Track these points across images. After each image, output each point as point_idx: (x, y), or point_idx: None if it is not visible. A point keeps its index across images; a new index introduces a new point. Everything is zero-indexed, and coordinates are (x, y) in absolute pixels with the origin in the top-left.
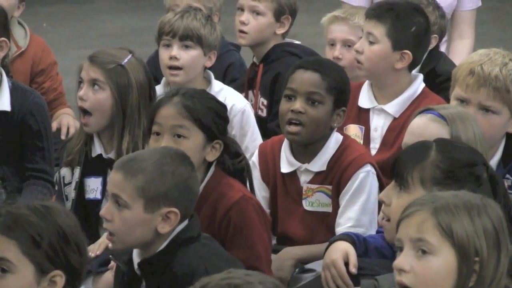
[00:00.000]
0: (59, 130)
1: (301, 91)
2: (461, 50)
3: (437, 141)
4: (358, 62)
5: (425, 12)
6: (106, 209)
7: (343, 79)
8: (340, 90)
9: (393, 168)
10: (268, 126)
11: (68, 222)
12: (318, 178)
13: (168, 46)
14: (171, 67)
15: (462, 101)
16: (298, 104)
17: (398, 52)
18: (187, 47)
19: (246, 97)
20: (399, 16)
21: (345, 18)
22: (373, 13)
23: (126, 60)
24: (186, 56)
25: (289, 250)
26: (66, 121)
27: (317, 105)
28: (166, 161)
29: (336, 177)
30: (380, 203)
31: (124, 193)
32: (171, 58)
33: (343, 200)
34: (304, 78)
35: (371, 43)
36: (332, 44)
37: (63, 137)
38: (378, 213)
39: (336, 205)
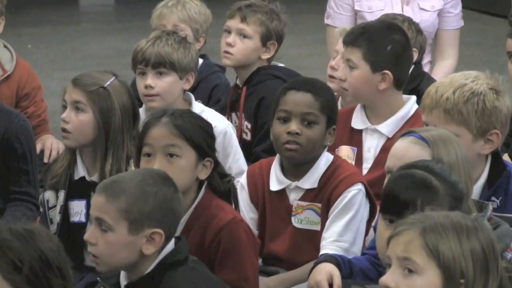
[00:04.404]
0: (43, 152)
1: (296, 113)
2: (441, 71)
3: (425, 168)
4: (344, 89)
5: (402, 28)
6: (90, 233)
7: (333, 98)
8: (331, 109)
9: (398, 210)
10: (253, 151)
11: (51, 246)
12: (309, 195)
13: (143, 74)
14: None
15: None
16: (294, 126)
17: (379, 73)
18: (161, 73)
19: (229, 119)
20: (372, 38)
21: None
22: (348, 39)
23: (108, 83)
24: (161, 83)
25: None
26: (49, 143)
27: (312, 125)
28: (148, 182)
29: (326, 195)
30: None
31: (107, 216)
32: (146, 87)
33: (331, 215)
34: (298, 99)
35: (351, 68)
36: (334, 58)
37: (46, 160)
38: (366, 234)
39: (324, 224)
